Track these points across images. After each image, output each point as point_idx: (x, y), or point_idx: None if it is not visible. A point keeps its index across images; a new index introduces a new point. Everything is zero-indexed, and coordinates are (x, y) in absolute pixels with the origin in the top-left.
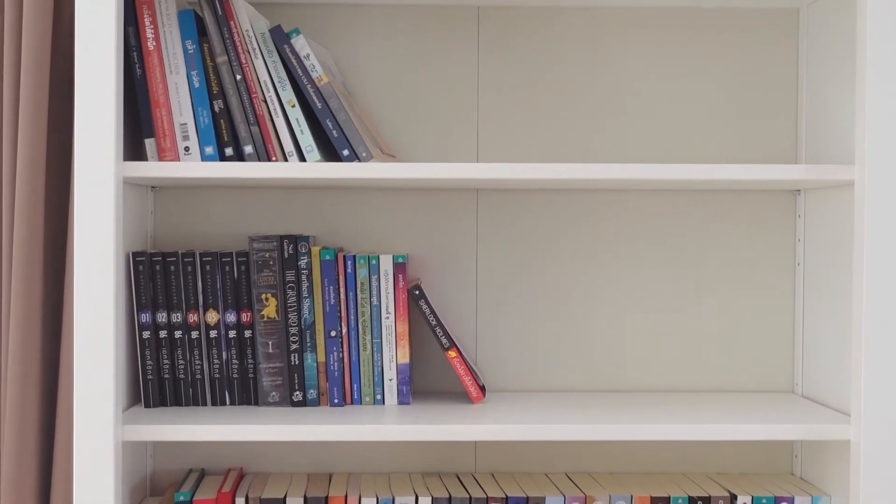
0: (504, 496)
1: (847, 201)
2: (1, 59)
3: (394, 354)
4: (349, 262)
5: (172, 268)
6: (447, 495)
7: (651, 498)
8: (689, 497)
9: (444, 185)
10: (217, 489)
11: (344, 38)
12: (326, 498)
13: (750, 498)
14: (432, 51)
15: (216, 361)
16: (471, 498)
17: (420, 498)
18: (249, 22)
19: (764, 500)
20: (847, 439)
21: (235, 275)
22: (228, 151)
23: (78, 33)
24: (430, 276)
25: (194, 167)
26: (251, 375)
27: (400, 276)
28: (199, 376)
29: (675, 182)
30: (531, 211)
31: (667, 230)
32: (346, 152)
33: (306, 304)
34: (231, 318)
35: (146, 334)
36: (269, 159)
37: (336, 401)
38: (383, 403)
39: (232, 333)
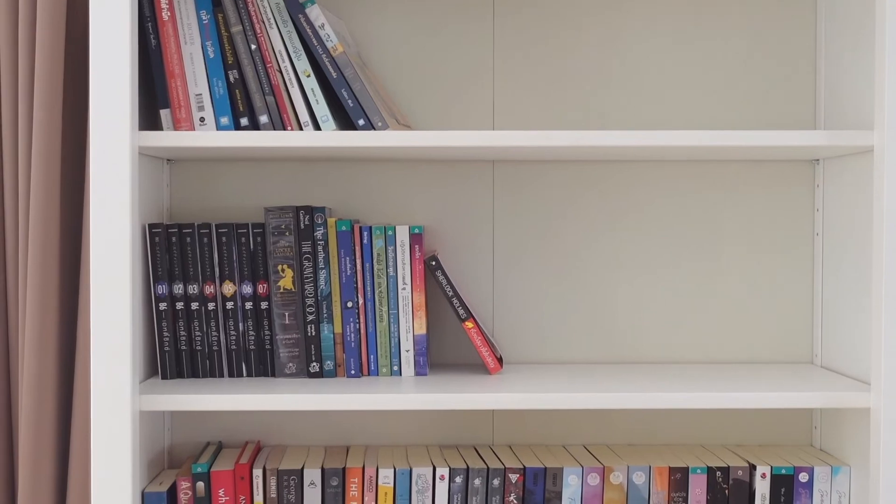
0: (522, 467)
1: (866, 169)
2: (15, 37)
3: (410, 325)
4: (365, 233)
5: (188, 239)
6: (465, 466)
7: (669, 468)
8: (708, 467)
9: (460, 156)
10: (234, 461)
11: (358, 7)
12: (344, 469)
13: (769, 468)
14: (447, 20)
15: (233, 333)
16: (488, 469)
17: (437, 469)
18: None
19: (783, 471)
20: (867, 407)
21: (251, 246)
22: (244, 122)
23: (92, 4)
24: (447, 248)
25: (210, 136)
26: (268, 347)
27: (416, 246)
28: (215, 348)
29: (692, 149)
30: (548, 182)
31: (685, 201)
32: (361, 122)
33: (322, 275)
34: (247, 289)
35: (162, 306)
36: (284, 129)
37: (353, 372)
38: (400, 375)
39: (248, 305)
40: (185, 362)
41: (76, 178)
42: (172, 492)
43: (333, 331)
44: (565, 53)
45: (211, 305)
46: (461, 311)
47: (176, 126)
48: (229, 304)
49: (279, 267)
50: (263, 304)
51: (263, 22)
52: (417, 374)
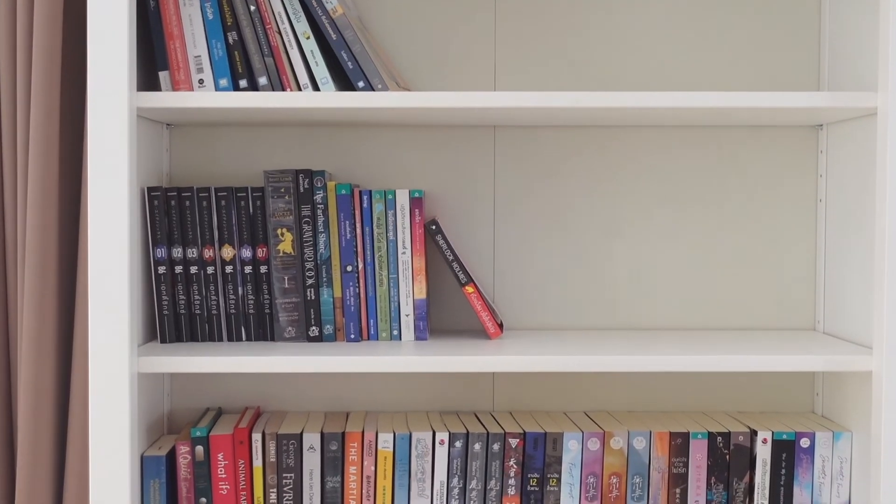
0: (522, 432)
1: (870, 134)
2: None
3: (410, 290)
4: (365, 197)
5: (187, 203)
6: (464, 431)
7: (670, 434)
8: (709, 433)
9: (460, 120)
10: (234, 426)
11: None
12: (343, 434)
13: (770, 434)
14: None
15: (232, 297)
16: (488, 433)
17: (437, 433)
18: None
19: (784, 436)
20: (869, 370)
21: (251, 210)
22: (243, 84)
23: None
24: (447, 214)
25: (209, 97)
26: (267, 311)
27: (416, 210)
28: (214, 312)
29: (695, 114)
30: (549, 147)
31: (687, 168)
32: (361, 84)
33: (322, 238)
34: (247, 253)
35: (161, 269)
36: (283, 91)
37: (352, 336)
38: (400, 339)
39: (248, 269)
40: (185, 326)
41: (75, 148)
42: (171, 456)
43: (333, 295)
44: (568, 16)
45: (210, 269)
46: (461, 276)
47: (175, 88)
48: (228, 268)
49: (278, 231)
50: (263, 268)
51: None
52: (417, 338)
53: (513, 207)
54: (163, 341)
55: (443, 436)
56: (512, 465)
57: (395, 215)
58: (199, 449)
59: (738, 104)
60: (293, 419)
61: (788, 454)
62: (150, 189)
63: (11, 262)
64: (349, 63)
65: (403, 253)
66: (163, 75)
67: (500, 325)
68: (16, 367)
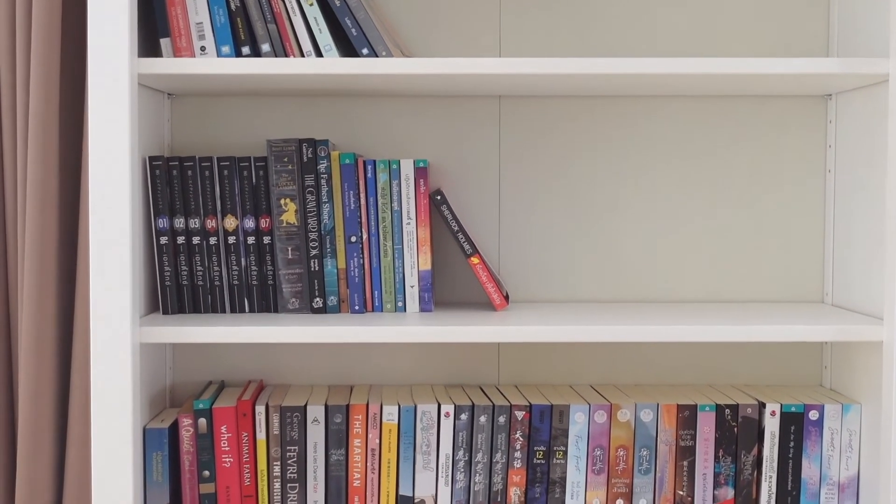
0: (528, 404)
1: (880, 102)
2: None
3: (415, 261)
4: (369, 167)
5: (190, 173)
6: (470, 403)
7: (678, 406)
8: (717, 405)
9: (465, 89)
10: (237, 398)
11: None
12: (347, 406)
13: (779, 406)
14: None
15: (235, 268)
16: (494, 406)
17: (442, 406)
18: None
19: (793, 409)
20: (879, 340)
21: (254, 180)
22: (245, 51)
23: None
24: (452, 186)
25: (211, 63)
26: (270, 282)
27: (421, 180)
28: (217, 283)
29: (703, 82)
30: (555, 118)
31: (694, 138)
32: (365, 51)
33: (326, 209)
34: (250, 223)
35: (163, 240)
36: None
37: (357, 308)
38: (405, 311)
39: (251, 239)
40: (187, 297)
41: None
42: (174, 428)
43: (337, 266)
44: None
45: (213, 240)
46: (467, 247)
47: (176, 55)
48: (231, 239)
49: (282, 201)
50: (266, 239)
51: None
52: (422, 310)
53: (518, 179)
54: (165, 313)
55: (448, 408)
56: (518, 438)
57: (399, 185)
58: (202, 421)
59: (746, 70)
60: (297, 392)
61: (797, 427)
62: (151, 158)
63: (12, 249)
64: (353, 30)
65: (408, 223)
66: (164, 42)
67: (506, 297)
68: (16, 358)
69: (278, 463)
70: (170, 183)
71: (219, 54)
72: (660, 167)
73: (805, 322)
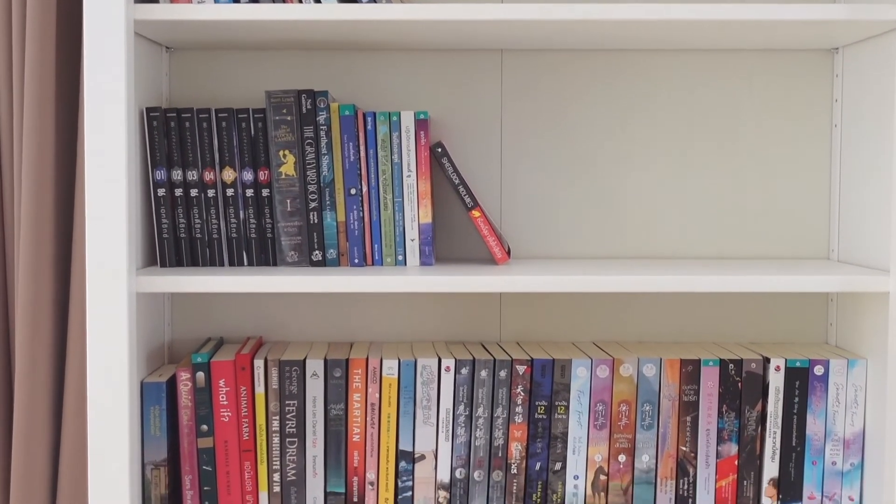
0: (529, 358)
1: (887, 55)
2: None
3: (416, 214)
4: (369, 119)
5: (187, 124)
6: (471, 358)
7: (681, 361)
8: (721, 360)
9: (466, 41)
10: (235, 353)
11: None
12: (347, 360)
13: (783, 361)
14: None
15: (233, 221)
16: (495, 360)
17: (443, 360)
18: None
19: (798, 364)
20: (886, 291)
21: (252, 132)
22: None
23: None
24: (454, 140)
25: (208, 9)
26: (269, 235)
27: (422, 132)
28: (215, 236)
29: (707, 24)
30: (558, 72)
31: (698, 93)
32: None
33: (325, 161)
34: (248, 176)
35: (161, 192)
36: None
37: (356, 261)
38: (405, 264)
39: (249, 192)
40: (185, 250)
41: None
42: (172, 383)
43: (336, 219)
44: None
45: (211, 192)
46: (467, 200)
47: (174, 2)
48: (229, 191)
49: (281, 153)
50: (265, 192)
51: None
52: (423, 263)
53: (521, 134)
54: (163, 265)
55: (448, 363)
56: (519, 393)
57: (399, 137)
58: (200, 375)
59: (751, 17)
60: (296, 348)
61: (802, 382)
62: (149, 109)
63: (9, 231)
64: None
65: (409, 176)
66: None
67: (508, 252)
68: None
69: (277, 417)
70: (167, 134)
71: (216, 0)
72: (663, 122)
73: (810, 273)
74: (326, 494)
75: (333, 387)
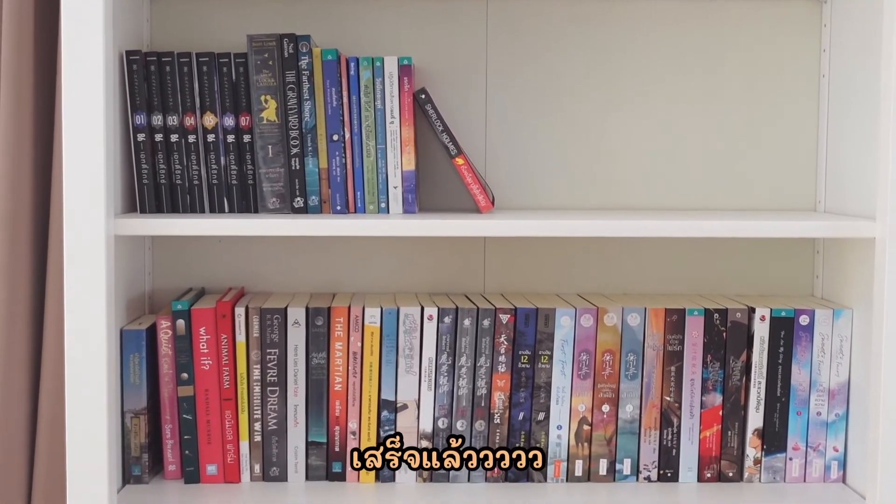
0: (513, 307)
1: (877, 3)
2: None
3: (399, 161)
4: (352, 64)
5: (168, 68)
6: (454, 307)
7: (665, 310)
8: (705, 309)
9: None
10: (217, 301)
11: None
12: (329, 309)
13: (768, 311)
14: None
15: (214, 167)
16: (478, 309)
17: (426, 308)
18: None
19: (783, 313)
20: (872, 237)
21: (234, 76)
22: None
23: None
24: (438, 88)
25: None
26: (250, 182)
27: (405, 78)
28: (196, 182)
29: None
30: (544, 18)
31: (686, 42)
32: None
33: (307, 106)
34: (229, 121)
35: (140, 137)
36: None
37: (339, 208)
38: (388, 212)
39: (230, 138)
40: (165, 197)
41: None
42: (152, 331)
43: (319, 165)
44: None
45: (191, 138)
46: (451, 147)
47: None
48: (210, 137)
49: (262, 98)
50: (246, 138)
51: None
52: (406, 211)
53: (505, 82)
54: (142, 212)
55: (431, 311)
56: (502, 342)
57: (383, 83)
58: (181, 323)
59: None
60: (278, 298)
61: (787, 332)
62: (128, 53)
63: None
64: None
65: (392, 122)
66: None
67: (492, 201)
68: None
69: (258, 366)
70: (147, 79)
71: None
72: (651, 71)
73: (796, 219)
74: (308, 444)
75: (315, 335)
